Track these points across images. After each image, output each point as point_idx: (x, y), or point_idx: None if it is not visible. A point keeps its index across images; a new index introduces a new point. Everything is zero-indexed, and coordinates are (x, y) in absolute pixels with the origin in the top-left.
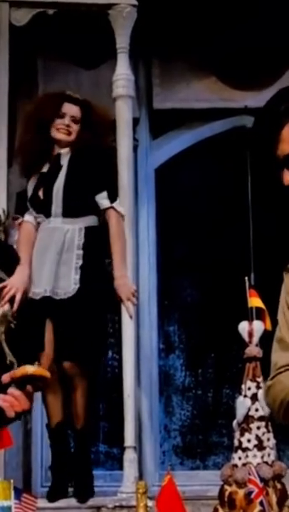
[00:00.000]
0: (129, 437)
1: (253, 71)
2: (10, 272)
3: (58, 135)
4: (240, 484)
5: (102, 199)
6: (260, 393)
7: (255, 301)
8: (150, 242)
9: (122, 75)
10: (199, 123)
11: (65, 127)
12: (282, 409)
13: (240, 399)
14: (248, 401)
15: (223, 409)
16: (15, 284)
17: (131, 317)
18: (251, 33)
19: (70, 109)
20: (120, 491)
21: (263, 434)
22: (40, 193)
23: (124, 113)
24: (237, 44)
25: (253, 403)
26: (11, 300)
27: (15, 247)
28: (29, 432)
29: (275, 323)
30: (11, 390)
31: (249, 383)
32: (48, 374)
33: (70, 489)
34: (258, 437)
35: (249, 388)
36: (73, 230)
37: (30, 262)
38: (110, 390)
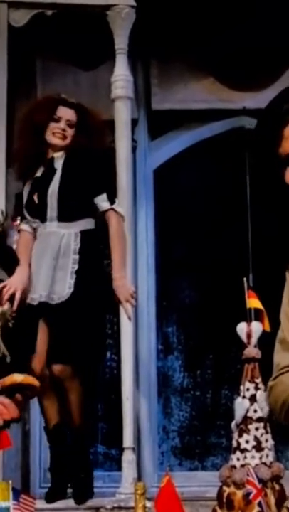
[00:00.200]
0: (128, 438)
1: (252, 72)
2: (10, 272)
3: (54, 140)
4: (239, 485)
5: (102, 201)
6: (259, 394)
7: (253, 302)
8: (149, 243)
9: (121, 75)
10: (198, 124)
11: (60, 131)
12: (283, 410)
13: (238, 400)
14: (247, 402)
15: (222, 411)
16: (14, 283)
17: (130, 318)
18: (249, 34)
19: (66, 113)
20: (119, 492)
21: (262, 435)
22: (35, 198)
23: (122, 114)
24: (235, 45)
25: (251, 404)
26: (11, 299)
27: (14, 247)
28: (28, 433)
29: (273, 324)
30: (0, 398)
31: (247, 384)
32: (36, 383)
33: (70, 490)
34: (256, 438)
35: (247, 389)
36: (69, 235)
37: (30, 263)
38: (109, 391)
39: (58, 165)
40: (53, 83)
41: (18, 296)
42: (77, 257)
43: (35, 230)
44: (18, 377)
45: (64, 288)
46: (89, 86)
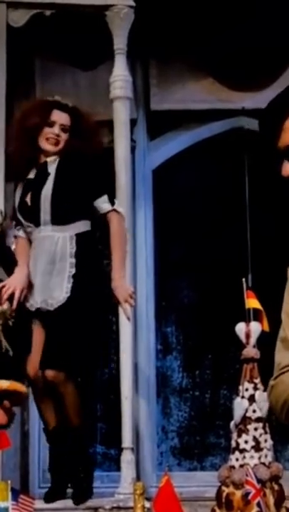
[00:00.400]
0: (127, 438)
1: (251, 72)
2: (9, 273)
3: (47, 146)
4: (238, 485)
5: (103, 203)
6: (258, 394)
7: (252, 303)
8: (148, 243)
9: (120, 76)
10: (197, 124)
11: (54, 137)
12: (284, 409)
13: (237, 400)
14: (246, 402)
15: (221, 411)
16: (13, 283)
17: (128, 319)
18: (248, 34)
19: (60, 118)
20: (118, 492)
21: (260, 435)
22: (28, 200)
23: (121, 114)
24: (234, 45)
25: (250, 404)
26: (10, 298)
27: (13, 247)
28: (26, 434)
29: (273, 324)
30: None
31: (246, 384)
32: (23, 389)
33: (69, 490)
34: (255, 438)
35: (246, 389)
36: (64, 238)
37: (28, 263)
38: (108, 391)
39: (52, 169)
40: (52, 83)
41: (17, 295)
42: (74, 260)
43: (29, 234)
44: (3, 384)
45: (61, 293)
46: (88, 86)
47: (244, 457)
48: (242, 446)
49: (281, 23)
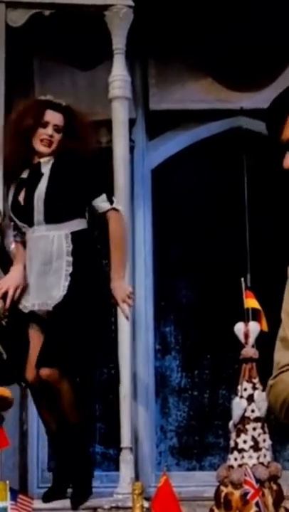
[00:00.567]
0: (126, 438)
1: (249, 72)
2: (6, 273)
3: (41, 147)
4: (236, 485)
5: (102, 202)
6: (257, 394)
7: (251, 302)
8: (146, 243)
9: (119, 76)
10: (195, 124)
11: (47, 138)
12: (283, 408)
13: (236, 400)
14: (244, 402)
15: (219, 410)
16: (7, 281)
17: (127, 318)
18: (247, 34)
19: (54, 118)
20: (116, 492)
21: (259, 435)
22: (21, 199)
23: (120, 114)
24: (233, 45)
25: (249, 404)
26: (4, 298)
27: (12, 246)
28: (25, 433)
29: (271, 324)
30: None
31: (245, 384)
32: (8, 393)
33: (69, 490)
34: (253, 438)
35: (245, 389)
36: (59, 237)
37: (24, 264)
38: (106, 391)
39: (45, 169)
40: (51, 83)
41: (10, 293)
42: (70, 259)
43: (24, 235)
44: None
45: (58, 291)
46: (87, 86)
47: (243, 457)
48: (241, 446)
49: (280, 23)
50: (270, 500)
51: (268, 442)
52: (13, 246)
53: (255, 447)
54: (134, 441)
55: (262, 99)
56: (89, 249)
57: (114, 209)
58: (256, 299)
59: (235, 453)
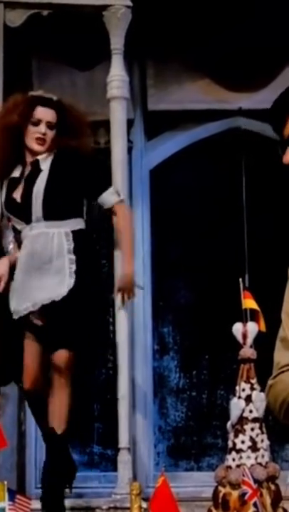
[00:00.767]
0: (124, 439)
1: (248, 72)
2: None
3: (35, 146)
4: (234, 485)
5: (110, 195)
6: (255, 395)
7: (249, 303)
8: (144, 243)
9: (117, 76)
10: (194, 124)
11: (41, 136)
12: (283, 408)
13: (234, 400)
14: (242, 402)
15: (218, 411)
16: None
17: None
18: (245, 35)
19: (46, 115)
20: (114, 493)
21: (257, 435)
22: (17, 197)
23: (118, 114)
24: (231, 45)
25: (247, 405)
26: None
27: (10, 247)
28: (23, 434)
29: (269, 324)
30: None
31: (243, 385)
32: None
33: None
34: (251, 439)
35: (243, 390)
36: (59, 234)
37: (13, 261)
38: (104, 391)
39: (44, 166)
40: (49, 83)
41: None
42: (73, 257)
43: (20, 232)
44: None
45: (62, 287)
46: (85, 86)
47: (241, 457)
48: (239, 446)
49: (278, 24)
50: (268, 500)
51: (266, 443)
52: (11, 247)
53: (253, 448)
54: (132, 442)
55: (260, 99)
56: (89, 249)
57: (123, 201)
58: (254, 300)
59: (234, 453)
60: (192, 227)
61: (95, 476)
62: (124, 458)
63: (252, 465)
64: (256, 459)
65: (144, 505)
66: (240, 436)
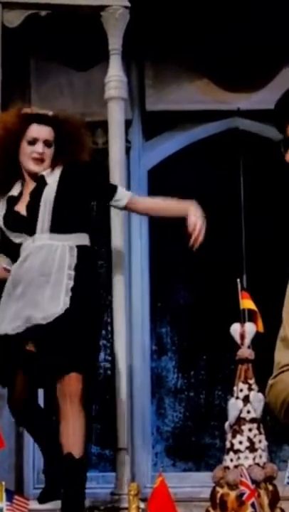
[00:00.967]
0: (122, 439)
1: (246, 73)
2: None
3: (31, 166)
4: (232, 486)
5: (122, 193)
6: (252, 395)
7: (247, 303)
8: (142, 244)
9: (115, 76)
10: (192, 125)
11: (39, 156)
12: (283, 408)
13: (231, 401)
14: (240, 403)
15: (216, 411)
16: None
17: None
18: (244, 35)
19: (42, 133)
20: (113, 493)
21: (255, 436)
22: (20, 209)
23: (116, 115)
24: (230, 46)
25: (244, 405)
26: None
27: None
28: (21, 434)
29: (268, 325)
30: None
31: (241, 385)
32: None
33: None
34: (249, 439)
35: (241, 390)
36: (63, 247)
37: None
38: (103, 391)
39: (52, 179)
40: (47, 84)
41: None
42: (72, 273)
43: (19, 246)
44: None
45: (57, 306)
46: (83, 86)
47: (239, 458)
48: (236, 447)
49: (276, 24)
50: (265, 501)
51: (264, 443)
52: None
53: (251, 448)
54: (130, 442)
55: (259, 100)
56: (91, 266)
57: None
58: (252, 300)
59: (231, 454)
60: None
61: (94, 476)
62: (122, 458)
63: (250, 465)
64: (254, 459)
65: (143, 505)
66: (238, 437)
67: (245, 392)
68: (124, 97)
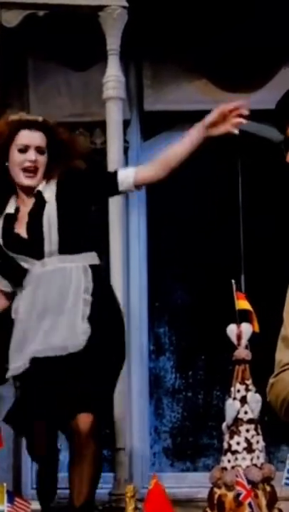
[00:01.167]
0: (120, 439)
1: (245, 73)
2: None
3: (23, 180)
4: (230, 487)
5: (125, 173)
6: (250, 396)
7: (242, 304)
8: (141, 244)
9: (113, 76)
10: (190, 125)
11: (31, 164)
12: (284, 406)
13: (229, 401)
14: (238, 403)
15: (214, 412)
16: None
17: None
18: (242, 35)
19: (33, 139)
20: (111, 493)
21: (252, 436)
22: (21, 232)
23: (114, 115)
24: (228, 46)
25: (242, 406)
26: None
27: None
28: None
29: (266, 325)
30: None
31: (238, 386)
32: None
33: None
34: (247, 440)
35: (238, 391)
36: (77, 269)
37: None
38: None
39: (48, 194)
40: (45, 84)
41: None
42: (89, 298)
43: (26, 272)
44: None
45: (76, 334)
46: (81, 87)
47: (236, 459)
48: (234, 447)
49: (275, 24)
50: (263, 501)
51: (262, 444)
52: None
53: (249, 449)
54: (128, 443)
55: (257, 100)
56: (107, 289)
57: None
58: (248, 300)
59: (229, 455)
60: (188, 228)
61: None
62: (120, 459)
63: (247, 466)
64: (252, 460)
65: (140, 506)
66: (236, 438)
67: (243, 392)
68: (122, 97)
